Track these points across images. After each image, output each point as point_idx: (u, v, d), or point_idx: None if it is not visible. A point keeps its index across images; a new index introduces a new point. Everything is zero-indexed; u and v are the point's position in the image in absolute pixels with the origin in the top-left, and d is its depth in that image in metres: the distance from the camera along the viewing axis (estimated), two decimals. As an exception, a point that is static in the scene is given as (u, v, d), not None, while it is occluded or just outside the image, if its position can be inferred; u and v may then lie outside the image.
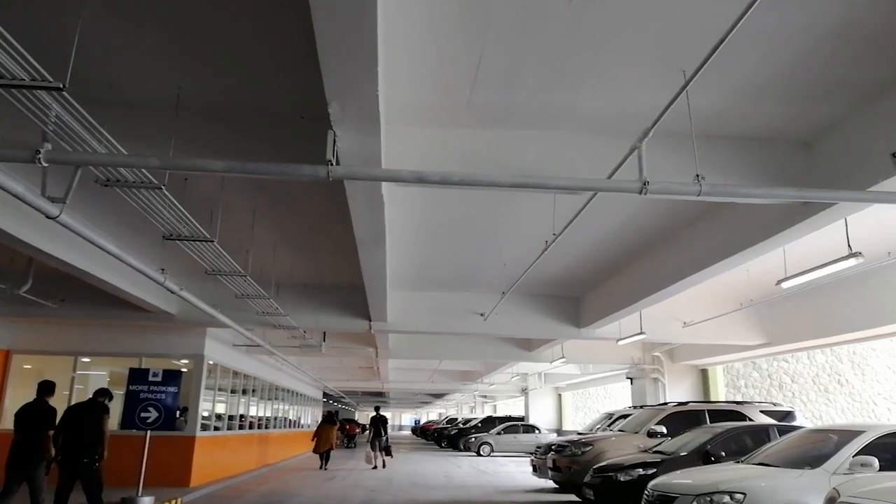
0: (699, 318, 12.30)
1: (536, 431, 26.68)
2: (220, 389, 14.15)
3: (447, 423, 39.71)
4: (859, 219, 6.95)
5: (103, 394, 7.66)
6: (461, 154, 5.54)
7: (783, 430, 8.73)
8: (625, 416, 13.34)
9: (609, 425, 13.82)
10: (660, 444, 9.97)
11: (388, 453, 19.36)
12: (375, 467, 18.36)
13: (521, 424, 27.60)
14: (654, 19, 4.09)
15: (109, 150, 4.39)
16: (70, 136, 4.12)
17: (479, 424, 29.97)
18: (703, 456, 8.28)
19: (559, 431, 30.01)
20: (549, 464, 12.21)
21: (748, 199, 5.08)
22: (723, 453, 8.20)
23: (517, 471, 18.53)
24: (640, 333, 11.96)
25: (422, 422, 67.31)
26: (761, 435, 8.76)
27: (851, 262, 6.61)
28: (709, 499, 6.00)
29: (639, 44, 4.35)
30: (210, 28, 4.29)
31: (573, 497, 11.73)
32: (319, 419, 25.92)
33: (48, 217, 4.35)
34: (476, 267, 10.30)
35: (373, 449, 18.81)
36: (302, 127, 5.40)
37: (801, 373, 15.09)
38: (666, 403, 13.17)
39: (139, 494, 9.23)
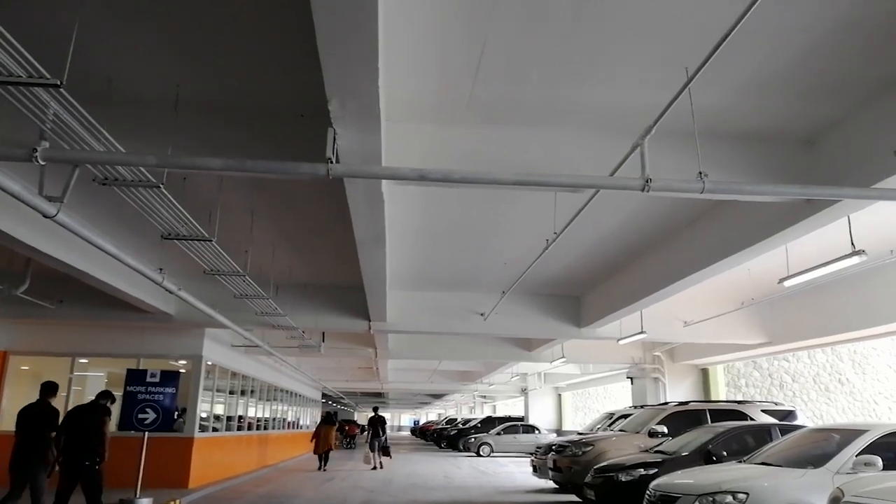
0: (700, 317, 12.28)
1: (536, 432, 26.66)
2: (218, 390, 14.10)
3: (446, 423, 39.66)
4: (860, 217, 6.94)
5: (105, 396, 7.65)
6: (462, 152, 5.50)
7: (785, 430, 8.71)
8: (625, 416, 13.32)
9: (609, 425, 13.79)
10: (661, 443, 9.94)
11: (387, 454, 19.36)
12: (375, 468, 18.34)
13: (521, 425, 27.57)
14: (656, 15, 4.06)
15: (107, 148, 4.35)
16: (68, 134, 4.08)
17: (479, 425, 29.93)
18: (705, 456, 8.25)
19: (559, 432, 29.98)
20: (550, 464, 12.18)
21: (751, 197, 5.06)
22: (724, 453, 8.17)
23: (517, 471, 18.50)
24: (641, 333, 11.93)
25: (421, 422, 67.26)
26: (763, 434, 8.74)
27: (855, 259, 6.57)
28: (711, 499, 5.97)
29: (641, 39, 4.32)
30: (209, 25, 4.26)
31: (574, 497, 11.70)
32: (318, 420, 25.87)
33: (45, 216, 4.31)
34: (476, 267, 10.26)
35: (371, 450, 18.82)
36: (301, 125, 5.36)
37: (802, 372, 15.07)
38: (666, 403, 13.14)
39: (137, 496, 9.20)
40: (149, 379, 10.02)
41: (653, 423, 11.25)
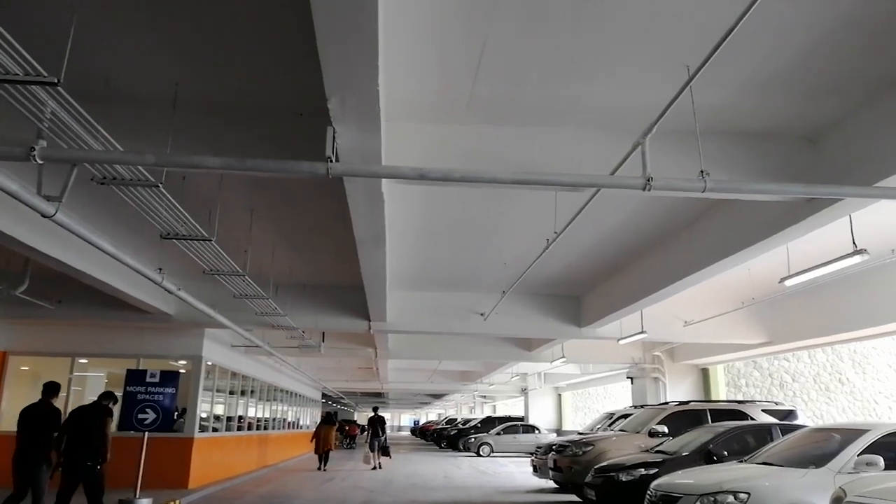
0: (700, 317, 12.26)
1: (536, 432, 26.64)
2: (218, 390, 14.09)
3: (446, 423, 39.65)
4: (861, 216, 6.92)
5: (108, 397, 7.66)
6: (463, 151, 5.48)
7: (785, 430, 8.70)
8: (625, 416, 13.31)
9: (610, 425, 13.78)
10: (661, 443, 9.94)
11: (387, 454, 19.36)
12: (375, 468, 18.33)
13: (521, 425, 27.56)
14: (656, 15, 4.04)
15: (106, 147, 4.33)
16: (66, 133, 4.06)
17: (479, 425, 29.92)
18: (706, 455, 8.24)
19: (559, 431, 29.96)
20: (550, 464, 12.17)
21: (753, 196, 5.05)
22: (725, 453, 8.16)
23: (517, 471, 18.49)
24: (641, 333, 11.92)
25: (421, 422, 67.25)
26: (763, 434, 8.73)
27: (856, 259, 6.55)
28: (712, 499, 5.96)
29: (642, 39, 4.30)
30: (209, 24, 4.24)
31: (574, 497, 11.68)
32: (318, 420, 25.86)
33: (44, 216, 4.30)
34: (476, 266, 10.25)
35: (371, 450, 18.83)
36: (301, 124, 5.35)
37: (802, 371, 15.06)
38: (667, 403, 13.12)
39: (137, 496, 9.17)
40: (148, 379, 10.00)
41: (653, 422, 11.24)
